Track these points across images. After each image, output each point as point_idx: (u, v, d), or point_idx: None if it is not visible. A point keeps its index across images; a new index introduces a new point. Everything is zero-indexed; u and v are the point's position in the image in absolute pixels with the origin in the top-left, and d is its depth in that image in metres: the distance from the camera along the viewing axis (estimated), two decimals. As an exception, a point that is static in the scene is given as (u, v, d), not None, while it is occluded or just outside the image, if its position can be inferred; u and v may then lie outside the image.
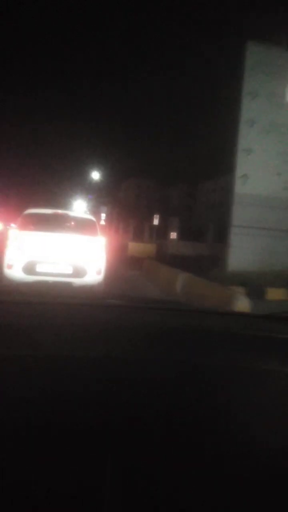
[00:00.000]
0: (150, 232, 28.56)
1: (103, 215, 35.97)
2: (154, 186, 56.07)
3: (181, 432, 0.74)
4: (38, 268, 6.11)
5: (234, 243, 11.42)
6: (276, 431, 0.77)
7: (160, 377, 0.91)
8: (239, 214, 11.49)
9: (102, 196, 46.46)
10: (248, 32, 11.37)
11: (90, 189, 40.68)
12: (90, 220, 7.27)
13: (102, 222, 32.72)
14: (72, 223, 7.05)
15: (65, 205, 34.46)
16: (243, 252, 11.18)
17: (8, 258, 6.15)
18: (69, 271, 6.23)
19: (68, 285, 6.25)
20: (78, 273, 6.23)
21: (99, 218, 28.86)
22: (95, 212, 33.76)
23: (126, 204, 52.70)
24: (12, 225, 7.33)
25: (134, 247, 20.68)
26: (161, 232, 27.44)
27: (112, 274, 8.06)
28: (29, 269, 6.07)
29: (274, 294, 8.72)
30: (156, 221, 28.35)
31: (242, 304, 5.69)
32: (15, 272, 6.07)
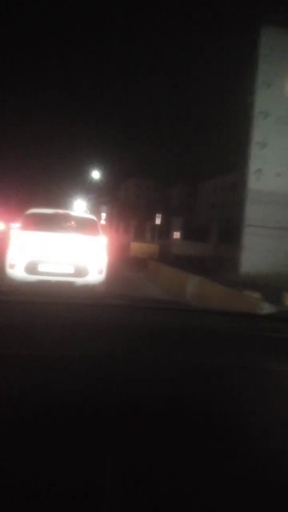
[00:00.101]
0: (152, 231, 27.89)
1: (103, 215, 35.62)
2: (154, 185, 55.93)
3: (181, 431, 0.73)
4: (40, 268, 6.10)
5: (246, 244, 10.56)
6: (276, 431, 0.77)
7: (161, 377, 0.92)
8: (252, 213, 10.63)
9: (102, 195, 46.31)
10: (262, 16, 10.57)
11: (90, 189, 40.64)
12: (92, 220, 7.28)
13: (103, 222, 32.26)
14: (74, 223, 7.08)
15: (65, 204, 34.32)
16: (256, 253, 10.35)
17: (10, 258, 6.15)
18: (71, 270, 6.21)
19: (70, 284, 6.26)
20: (79, 272, 6.22)
21: (99, 218, 28.39)
22: (95, 211, 33.44)
23: (126, 204, 52.47)
24: (14, 224, 7.01)
25: (136, 247, 20.18)
26: (163, 232, 26.76)
27: (115, 275, 7.83)
28: (31, 268, 6.07)
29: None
30: (158, 221, 27.62)
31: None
32: (17, 271, 6.07)
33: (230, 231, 21.67)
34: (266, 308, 5.09)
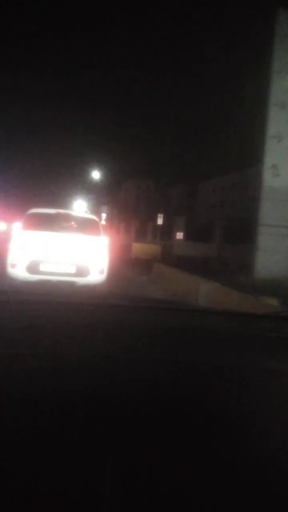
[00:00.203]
0: (153, 232, 27.19)
1: (103, 215, 35.12)
2: (154, 186, 55.43)
3: (181, 431, 0.73)
4: (42, 268, 6.09)
5: (261, 245, 9.73)
6: (276, 431, 0.76)
7: (161, 377, 0.91)
8: (267, 211, 9.80)
9: (102, 196, 45.79)
10: (278, 1, 9.77)
11: (90, 189, 40.20)
12: (93, 220, 7.31)
13: (103, 222, 31.66)
14: (75, 223, 7.06)
15: (65, 204, 33.80)
16: (272, 255, 9.53)
17: (11, 258, 6.15)
18: (72, 270, 6.20)
19: (71, 284, 6.25)
20: (81, 272, 6.21)
21: (100, 218, 27.80)
22: (95, 212, 32.91)
23: (127, 204, 51.94)
24: (15, 224, 7.14)
25: (138, 248, 19.47)
26: (164, 232, 26.05)
27: (116, 276, 7.66)
28: (33, 268, 6.06)
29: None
30: (160, 221, 26.91)
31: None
32: (19, 271, 6.07)
33: (235, 231, 20.96)
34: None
